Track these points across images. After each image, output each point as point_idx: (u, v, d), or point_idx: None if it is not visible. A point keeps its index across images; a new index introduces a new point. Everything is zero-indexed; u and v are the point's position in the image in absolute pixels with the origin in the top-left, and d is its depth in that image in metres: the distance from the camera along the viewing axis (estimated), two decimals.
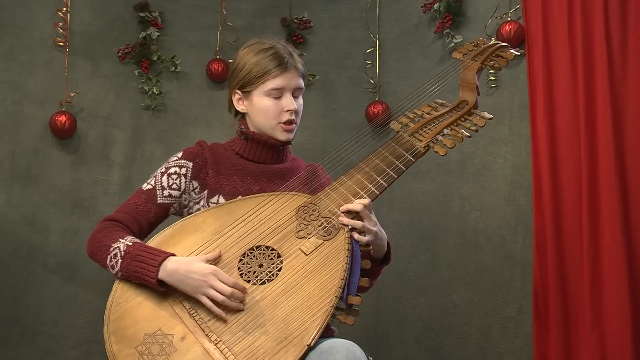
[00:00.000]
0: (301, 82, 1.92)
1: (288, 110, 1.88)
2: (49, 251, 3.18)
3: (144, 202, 1.85)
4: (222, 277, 1.63)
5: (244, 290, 1.64)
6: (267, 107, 1.88)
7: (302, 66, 1.93)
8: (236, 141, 1.96)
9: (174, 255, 1.69)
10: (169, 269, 1.65)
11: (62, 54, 3.25)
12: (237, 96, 1.94)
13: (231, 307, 1.62)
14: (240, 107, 1.95)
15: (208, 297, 1.62)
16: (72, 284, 3.18)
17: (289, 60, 1.88)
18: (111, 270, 1.73)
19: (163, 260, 1.66)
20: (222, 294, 1.61)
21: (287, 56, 1.89)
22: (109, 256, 1.73)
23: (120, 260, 1.70)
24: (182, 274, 1.64)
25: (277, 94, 1.88)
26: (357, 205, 1.73)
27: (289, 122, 1.89)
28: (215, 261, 1.69)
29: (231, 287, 1.62)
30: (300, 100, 1.93)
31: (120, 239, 1.75)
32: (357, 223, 1.73)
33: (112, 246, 1.74)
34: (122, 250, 1.71)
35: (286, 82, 1.88)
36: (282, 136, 1.90)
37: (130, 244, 1.73)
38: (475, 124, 1.83)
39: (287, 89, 1.89)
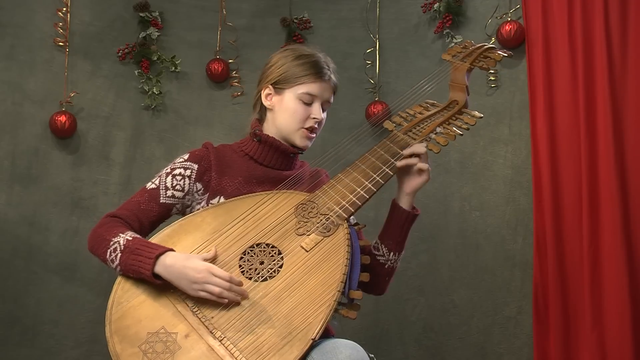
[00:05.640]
0: (332, 97, 1.96)
1: (314, 118, 1.91)
2: (49, 251, 3.18)
3: (147, 201, 1.87)
4: (217, 273, 1.64)
5: (239, 284, 1.66)
6: (295, 109, 1.90)
7: (336, 81, 1.96)
8: (247, 142, 1.97)
9: (172, 250, 1.70)
10: (167, 263, 1.67)
11: (62, 54, 3.25)
12: (267, 91, 1.96)
13: (230, 299, 1.64)
14: (267, 102, 1.96)
15: (205, 292, 1.64)
16: (72, 284, 3.18)
17: (327, 72, 1.92)
18: (111, 264, 1.75)
19: (160, 254, 1.68)
20: (220, 287, 1.63)
21: (326, 67, 1.93)
22: (109, 250, 1.74)
23: (119, 255, 1.72)
24: (178, 269, 1.65)
25: (309, 99, 1.90)
26: (420, 147, 1.82)
27: (312, 129, 1.92)
28: (212, 260, 1.70)
29: (227, 281, 1.64)
30: (325, 113, 1.96)
31: (120, 234, 1.76)
32: (424, 165, 1.83)
33: (112, 240, 1.75)
34: (121, 244, 1.73)
35: (320, 91, 1.91)
36: (301, 142, 1.93)
37: (130, 238, 1.74)
38: (467, 123, 1.89)
39: (319, 98, 1.92)
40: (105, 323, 1.65)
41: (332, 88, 1.95)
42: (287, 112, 1.91)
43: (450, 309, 3.01)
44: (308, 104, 1.91)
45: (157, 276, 1.67)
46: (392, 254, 1.89)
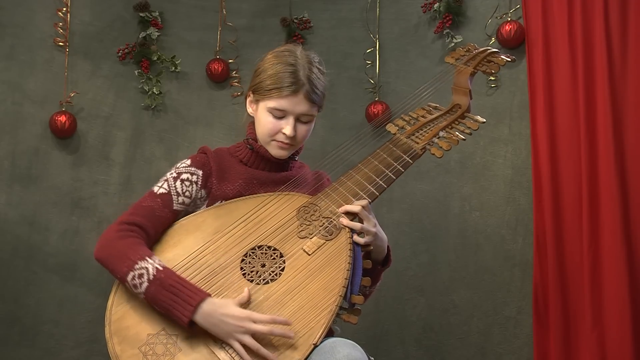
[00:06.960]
0: (310, 109, 1.83)
1: (284, 134, 1.83)
2: (49, 251, 3.18)
3: (161, 207, 1.78)
4: (258, 318, 1.58)
5: (285, 323, 1.59)
6: (265, 122, 1.84)
7: (317, 93, 1.83)
8: (241, 148, 1.92)
9: (209, 295, 1.62)
10: (205, 311, 1.58)
11: (62, 54, 3.25)
12: (249, 98, 1.91)
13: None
14: (249, 109, 1.92)
15: (241, 343, 1.57)
16: (72, 284, 3.18)
17: (303, 84, 1.80)
18: (132, 289, 1.64)
19: (201, 301, 1.59)
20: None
21: (304, 79, 1.81)
22: (133, 274, 1.64)
23: (146, 284, 1.62)
24: (217, 317, 1.58)
25: (279, 114, 1.82)
26: (355, 206, 1.75)
27: (283, 142, 1.84)
28: (247, 304, 1.63)
29: (269, 323, 1.58)
30: (308, 125, 1.86)
31: (147, 258, 1.66)
32: (356, 225, 1.74)
33: (137, 263, 1.64)
34: (150, 273, 1.63)
35: (290, 106, 1.81)
36: (274, 152, 1.87)
37: (161, 268, 1.64)
38: (469, 127, 1.88)
39: (291, 113, 1.82)
40: (104, 324, 1.64)
41: (307, 101, 1.81)
42: (260, 124, 1.86)
43: (450, 309, 3.01)
44: (280, 118, 1.83)
45: (191, 323, 1.60)
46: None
